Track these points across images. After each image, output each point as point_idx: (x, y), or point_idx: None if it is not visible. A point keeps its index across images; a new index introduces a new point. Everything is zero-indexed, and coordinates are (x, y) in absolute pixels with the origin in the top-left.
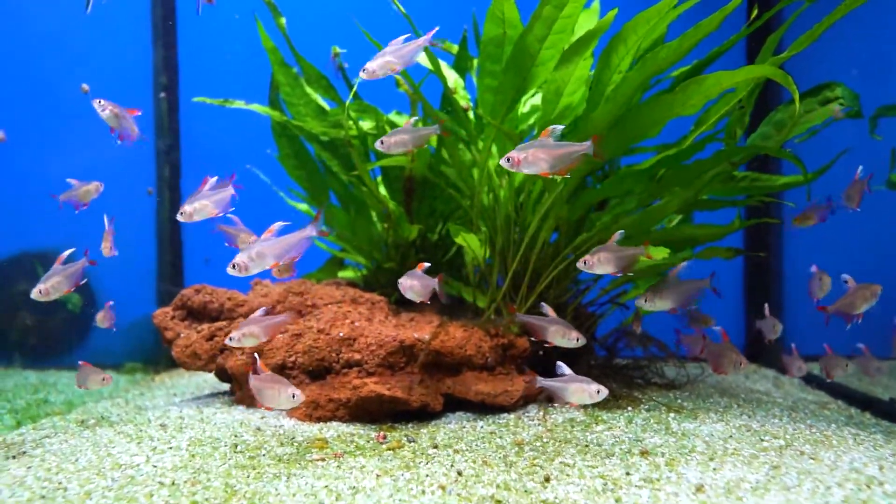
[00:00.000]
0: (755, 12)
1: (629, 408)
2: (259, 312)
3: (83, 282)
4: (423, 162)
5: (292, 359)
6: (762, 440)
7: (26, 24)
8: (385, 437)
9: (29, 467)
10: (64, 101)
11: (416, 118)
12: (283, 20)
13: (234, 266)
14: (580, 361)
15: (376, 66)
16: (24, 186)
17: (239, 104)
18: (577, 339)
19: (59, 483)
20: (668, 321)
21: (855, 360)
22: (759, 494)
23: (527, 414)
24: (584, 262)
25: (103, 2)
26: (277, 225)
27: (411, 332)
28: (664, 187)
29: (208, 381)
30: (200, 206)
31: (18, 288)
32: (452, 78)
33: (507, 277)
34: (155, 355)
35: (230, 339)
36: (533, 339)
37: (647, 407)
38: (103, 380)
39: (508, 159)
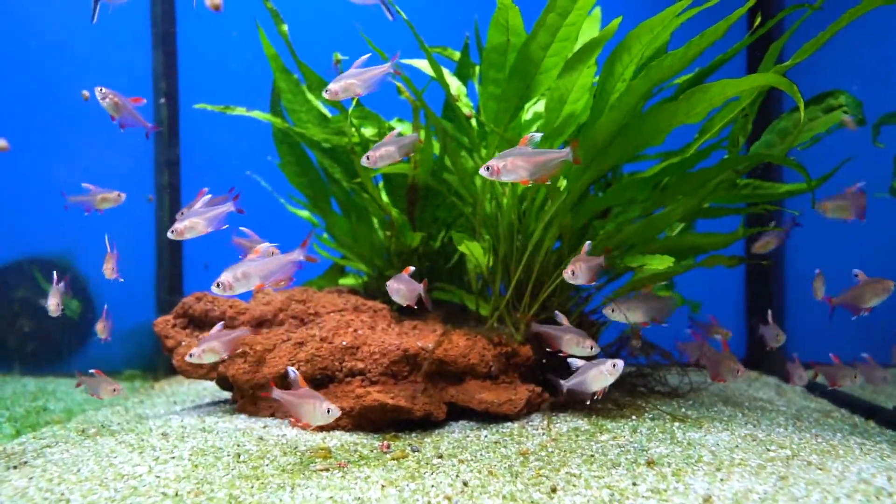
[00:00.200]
0: (758, 20)
1: (633, 417)
2: (217, 328)
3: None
4: (426, 169)
5: (295, 367)
6: (768, 450)
7: (26, 30)
8: (389, 447)
9: (31, 478)
10: (64, 107)
11: (400, 128)
12: (286, 27)
13: (218, 285)
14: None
15: (338, 87)
16: (24, 192)
17: (240, 111)
18: (592, 348)
19: (62, 494)
20: (678, 330)
21: (859, 368)
22: None
23: (530, 423)
24: (572, 273)
25: (109, 11)
26: (265, 246)
27: (414, 340)
28: (668, 196)
29: (208, 388)
30: (192, 224)
31: (17, 294)
32: (455, 85)
33: (510, 286)
34: (154, 362)
35: (191, 355)
36: (548, 349)
37: (651, 416)
38: (114, 390)
39: (488, 168)
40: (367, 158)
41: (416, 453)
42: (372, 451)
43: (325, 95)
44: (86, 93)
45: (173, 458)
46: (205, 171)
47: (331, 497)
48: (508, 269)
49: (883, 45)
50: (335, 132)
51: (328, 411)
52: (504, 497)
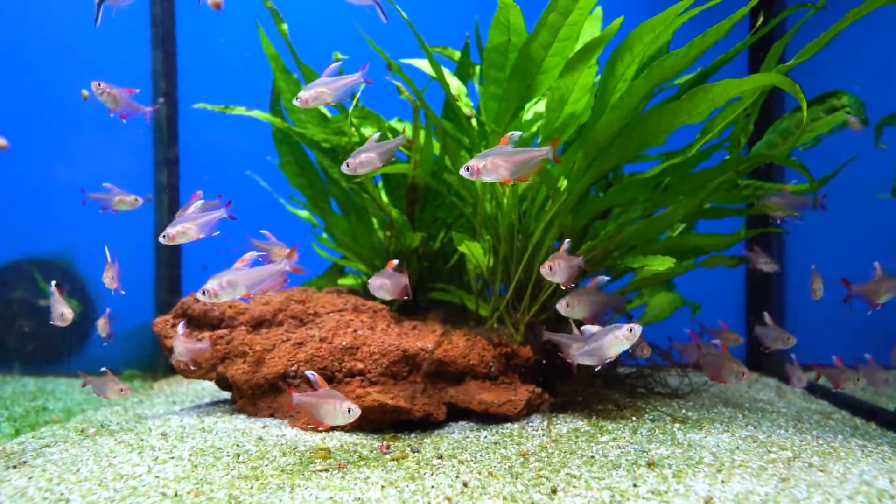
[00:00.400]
0: (760, 19)
1: (633, 418)
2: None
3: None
4: (426, 169)
5: (294, 367)
6: (769, 451)
7: (25, 30)
8: (388, 448)
9: (30, 478)
10: (63, 106)
11: (380, 132)
12: (285, 26)
13: (203, 292)
14: (582, 369)
15: (309, 95)
16: (23, 192)
17: (240, 111)
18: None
19: (62, 494)
20: (679, 331)
21: (861, 370)
22: None
23: (530, 424)
24: (549, 268)
25: (112, 14)
26: (250, 255)
27: (414, 340)
28: (669, 196)
29: (207, 388)
30: (183, 230)
31: (16, 294)
32: (455, 85)
33: (511, 286)
34: (153, 362)
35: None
36: (559, 356)
37: (651, 417)
38: (121, 390)
39: (468, 168)
40: (347, 165)
41: (416, 454)
42: (371, 451)
43: (296, 103)
44: (85, 92)
45: (172, 458)
46: (204, 171)
47: (330, 497)
48: (508, 270)
49: (885, 45)
50: (335, 132)
51: (349, 411)
52: (504, 498)
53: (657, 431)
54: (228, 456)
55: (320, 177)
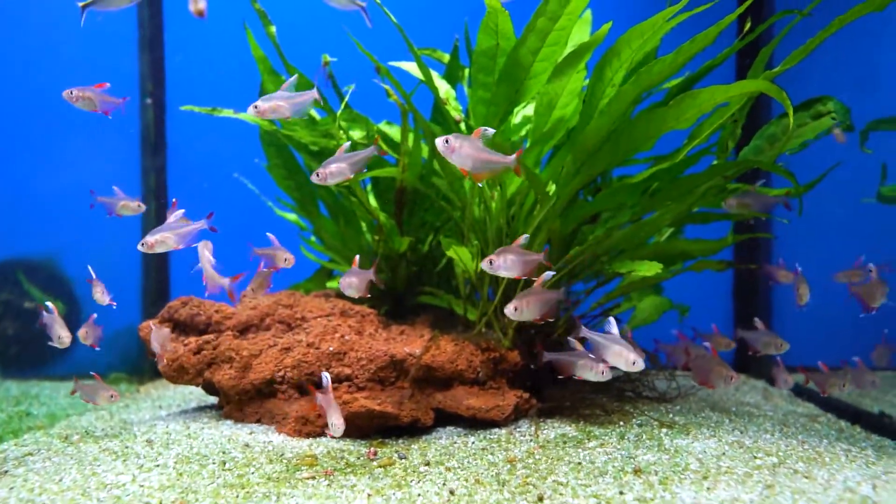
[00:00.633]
0: (748, 25)
1: (621, 423)
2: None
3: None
4: (415, 173)
5: (281, 373)
6: (755, 457)
7: (10, 32)
8: (376, 454)
9: (11, 488)
10: (48, 108)
11: (349, 142)
12: (273, 28)
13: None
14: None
15: (266, 107)
16: (8, 194)
17: (227, 113)
18: (604, 373)
19: None
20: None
21: (849, 372)
22: None
23: (518, 429)
24: (490, 263)
25: (98, 19)
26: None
27: (402, 346)
28: (657, 201)
29: (194, 392)
30: (162, 239)
31: (0, 297)
32: (444, 88)
33: (499, 290)
34: (140, 366)
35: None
36: (560, 375)
37: (638, 422)
38: (111, 396)
39: (447, 142)
40: (317, 175)
41: (403, 460)
42: (359, 458)
43: (251, 113)
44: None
45: (157, 465)
46: (192, 174)
47: None
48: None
49: (871, 51)
50: (323, 135)
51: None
52: None
53: (644, 437)
54: (214, 463)
55: (308, 179)
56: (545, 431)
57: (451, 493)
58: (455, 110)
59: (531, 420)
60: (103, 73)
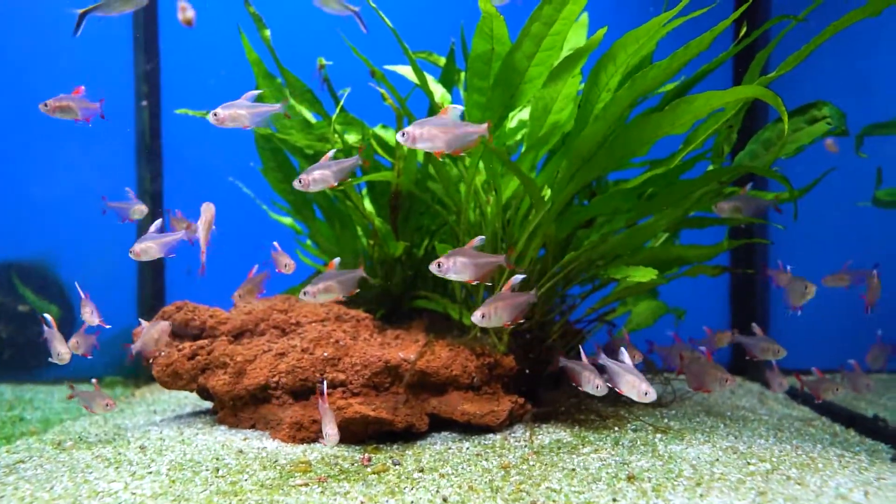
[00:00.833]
0: (743, 30)
1: (616, 428)
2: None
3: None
4: (410, 177)
5: (275, 379)
6: (749, 463)
7: (3, 33)
8: (370, 460)
9: (1, 497)
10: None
11: (335, 150)
12: (268, 32)
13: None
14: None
15: (226, 115)
16: (2, 197)
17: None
18: (599, 388)
19: None
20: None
21: (845, 375)
22: None
23: (513, 434)
24: (438, 266)
25: (98, 20)
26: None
27: (396, 351)
28: (653, 206)
29: (189, 397)
30: (146, 248)
31: None
32: (439, 92)
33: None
34: (135, 369)
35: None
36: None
37: (633, 427)
38: (107, 405)
39: (404, 134)
40: (300, 182)
41: (397, 466)
42: (353, 464)
43: (211, 119)
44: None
45: (150, 472)
46: (187, 177)
47: None
48: (492, 279)
49: (866, 55)
50: (318, 138)
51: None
52: None
53: (639, 442)
54: (208, 470)
55: None
56: (540, 437)
57: (445, 500)
58: None
59: (526, 425)
60: (98, 76)
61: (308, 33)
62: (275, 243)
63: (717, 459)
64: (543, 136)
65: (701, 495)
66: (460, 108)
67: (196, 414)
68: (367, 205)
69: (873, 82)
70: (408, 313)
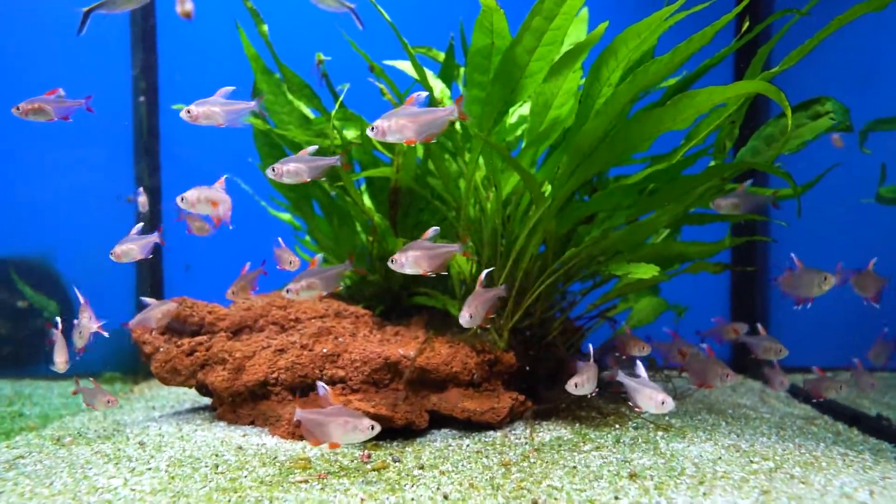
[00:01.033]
0: (746, 25)
1: (617, 425)
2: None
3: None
4: (409, 173)
5: (274, 375)
6: (752, 462)
7: (1, 30)
8: (369, 457)
9: (1, 493)
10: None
11: (316, 146)
12: (266, 27)
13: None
14: (567, 375)
15: (200, 112)
16: (1, 194)
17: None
18: (590, 395)
19: None
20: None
21: (850, 372)
22: None
23: (513, 431)
24: (393, 261)
25: (103, 19)
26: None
27: (396, 347)
28: (654, 202)
29: (188, 392)
30: (127, 249)
31: None
32: (439, 88)
33: None
34: (134, 365)
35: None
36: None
37: (634, 424)
38: (108, 401)
39: (374, 128)
40: (273, 170)
41: (397, 464)
42: (352, 461)
43: (183, 116)
44: (61, 92)
45: (150, 469)
46: (186, 172)
47: None
48: (492, 275)
49: (870, 50)
50: (317, 134)
51: (371, 427)
52: None
53: (640, 440)
54: (207, 466)
55: None
56: (540, 434)
57: (445, 497)
58: None
59: (526, 422)
60: (96, 72)
61: (306, 28)
62: (279, 239)
63: (720, 457)
64: (544, 131)
65: (704, 493)
66: (425, 94)
67: (195, 410)
68: (367, 201)
69: (877, 77)
70: (407, 310)
